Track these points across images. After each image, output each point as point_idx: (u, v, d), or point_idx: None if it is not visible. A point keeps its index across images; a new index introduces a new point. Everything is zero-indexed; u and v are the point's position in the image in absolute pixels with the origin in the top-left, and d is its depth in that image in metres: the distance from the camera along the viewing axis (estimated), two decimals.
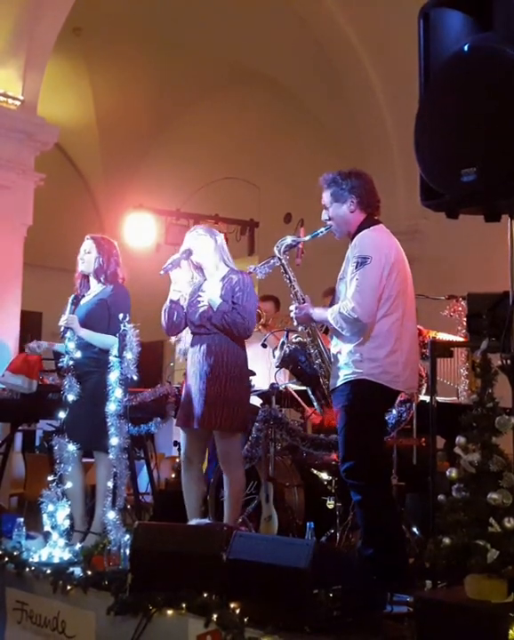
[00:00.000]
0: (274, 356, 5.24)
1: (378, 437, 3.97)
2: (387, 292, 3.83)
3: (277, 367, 4.96)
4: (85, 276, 5.06)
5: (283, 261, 4.30)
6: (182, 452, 4.66)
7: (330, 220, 4.04)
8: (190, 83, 10.70)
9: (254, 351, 6.13)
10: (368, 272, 3.78)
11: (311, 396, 4.26)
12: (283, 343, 4.60)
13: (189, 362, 4.61)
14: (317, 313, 4.05)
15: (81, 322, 4.85)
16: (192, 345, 4.62)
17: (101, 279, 4.98)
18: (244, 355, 4.65)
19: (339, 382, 3.90)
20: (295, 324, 4.14)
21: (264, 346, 5.74)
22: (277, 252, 4.31)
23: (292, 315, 4.14)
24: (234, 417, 4.48)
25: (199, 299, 4.59)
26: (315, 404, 4.25)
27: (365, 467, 3.79)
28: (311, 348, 4.26)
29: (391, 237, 4.00)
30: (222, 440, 4.56)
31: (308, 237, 4.23)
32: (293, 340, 4.66)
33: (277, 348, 5.05)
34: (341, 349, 3.93)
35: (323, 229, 4.10)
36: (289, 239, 4.30)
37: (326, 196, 4.03)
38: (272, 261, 4.39)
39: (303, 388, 5.08)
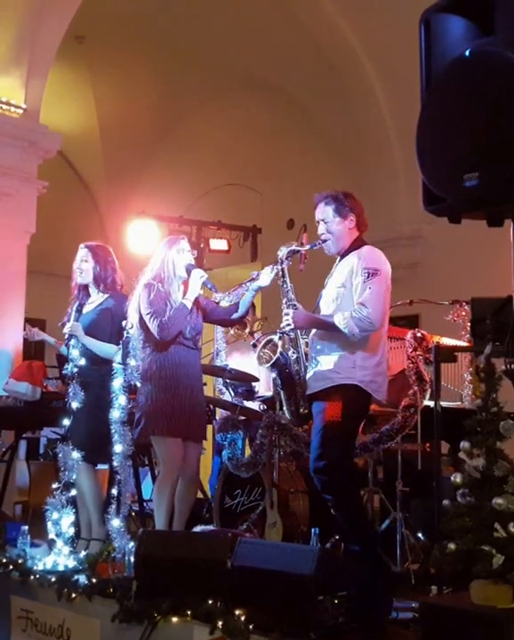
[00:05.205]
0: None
1: (353, 440, 4.11)
2: (386, 305, 4.02)
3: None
4: (84, 286, 5.04)
5: (284, 267, 4.32)
6: (177, 465, 4.52)
7: (327, 234, 4.12)
8: (192, 90, 10.72)
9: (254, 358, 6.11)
10: (380, 283, 3.94)
11: (283, 400, 4.18)
12: (266, 344, 4.49)
13: (185, 374, 4.57)
14: (318, 318, 4.07)
15: (85, 331, 4.85)
16: (185, 358, 4.59)
17: (101, 288, 4.97)
18: None
19: (326, 385, 3.95)
20: (291, 328, 4.08)
21: (254, 345, 5.71)
22: (280, 256, 4.31)
23: (287, 319, 4.09)
24: None
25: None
26: (284, 408, 4.21)
27: (341, 464, 3.89)
28: (293, 352, 4.22)
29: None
30: (199, 449, 4.72)
31: (308, 247, 4.29)
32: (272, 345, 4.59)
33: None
34: (331, 354, 3.98)
35: (320, 242, 4.20)
36: (294, 246, 4.33)
37: (327, 211, 4.11)
38: (276, 267, 4.38)
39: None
